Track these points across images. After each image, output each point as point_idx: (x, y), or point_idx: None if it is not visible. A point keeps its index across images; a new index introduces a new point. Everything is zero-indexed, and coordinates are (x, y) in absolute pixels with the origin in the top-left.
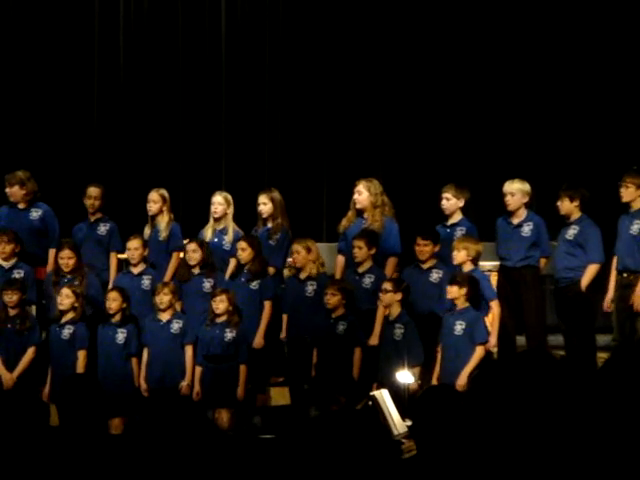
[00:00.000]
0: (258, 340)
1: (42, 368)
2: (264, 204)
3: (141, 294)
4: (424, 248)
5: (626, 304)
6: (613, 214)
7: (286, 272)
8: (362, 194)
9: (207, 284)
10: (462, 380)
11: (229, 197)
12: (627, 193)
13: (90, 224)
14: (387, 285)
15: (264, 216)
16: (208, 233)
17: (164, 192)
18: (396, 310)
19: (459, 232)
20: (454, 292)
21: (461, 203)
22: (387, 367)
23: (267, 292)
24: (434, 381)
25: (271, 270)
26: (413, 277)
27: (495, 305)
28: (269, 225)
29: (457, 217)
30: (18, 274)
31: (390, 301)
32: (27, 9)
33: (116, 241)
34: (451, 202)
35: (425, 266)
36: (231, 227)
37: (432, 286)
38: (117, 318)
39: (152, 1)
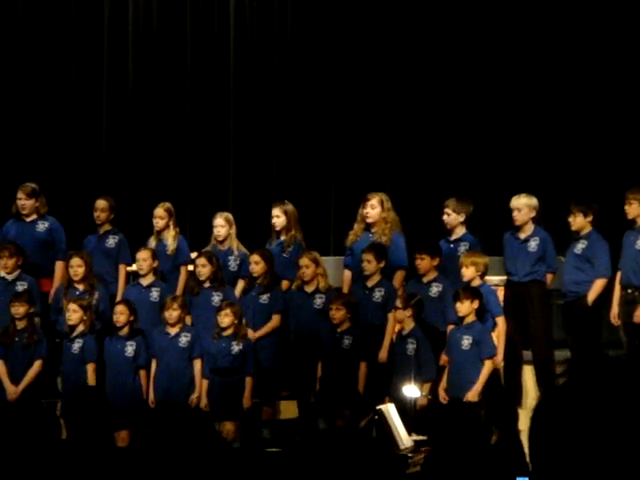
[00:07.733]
0: (251, 334)
1: (50, 381)
2: (277, 217)
3: (149, 306)
4: (421, 262)
5: (632, 320)
6: (619, 229)
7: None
8: (375, 208)
9: (216, 298)
10: (473, 396)
11: (230, 217)
12: (631, 209)
13: (99, 236)
14: (397, 302)
15: (277, 229)
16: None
17: (169, 206)
18: (409, 325)
19: (462, 247)
20: (466, 308)
21: (462, 218)
22: (399, 382)
23: (277, 305)
24: (441, 392)
25: (286, 283)
26: (414, 291)
27: (501, 321)
28: (282, 238)
29: (460, 232)
30: (22, 286)
31: (401, 317)
32: (36, 22)
33: (125, 253)
34: (451, 217)
35: (425, 279)
36: (235, 247)
37: (431, 300)
38: (125, 331)
39: (161, 15)
